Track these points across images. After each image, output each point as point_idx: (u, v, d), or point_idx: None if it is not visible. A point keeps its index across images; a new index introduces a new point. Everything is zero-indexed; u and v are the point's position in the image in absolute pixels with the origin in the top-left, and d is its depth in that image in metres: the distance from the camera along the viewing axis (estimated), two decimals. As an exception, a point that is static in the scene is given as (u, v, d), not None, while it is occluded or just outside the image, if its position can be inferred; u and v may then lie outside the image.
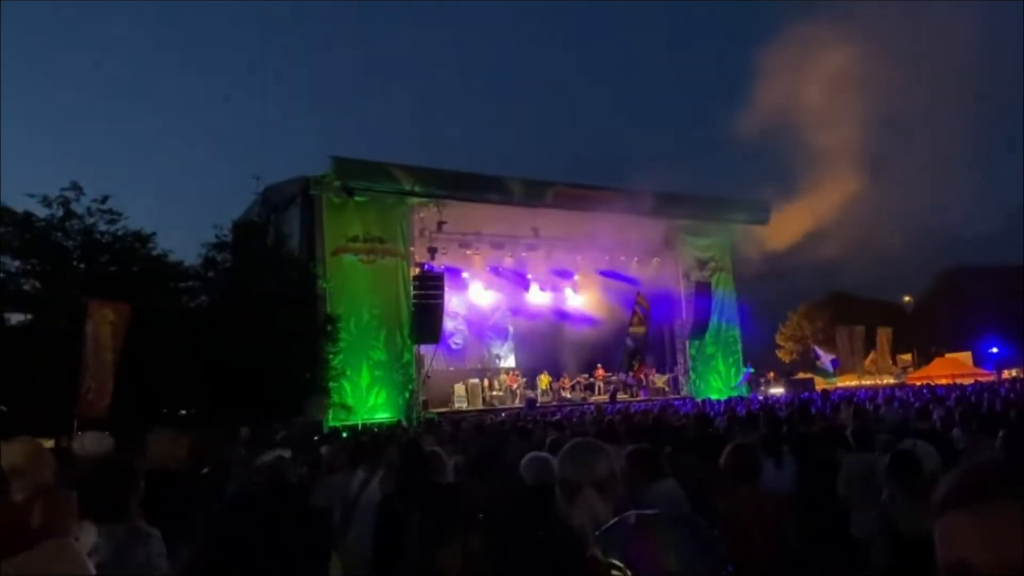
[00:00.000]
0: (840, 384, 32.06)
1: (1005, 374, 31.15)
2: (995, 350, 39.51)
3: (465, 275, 26.75)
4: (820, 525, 5.01)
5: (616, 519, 1.23)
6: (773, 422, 7.98)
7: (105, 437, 5.92)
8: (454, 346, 27.45)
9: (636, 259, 29.10)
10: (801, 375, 34.55)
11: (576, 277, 28.79)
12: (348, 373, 21.14)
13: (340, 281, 21.84)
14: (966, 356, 37.68)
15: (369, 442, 7.01)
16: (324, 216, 22.17)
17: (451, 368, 26.74)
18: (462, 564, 2.38)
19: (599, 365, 28.07)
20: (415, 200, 23.42)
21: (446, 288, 23.16)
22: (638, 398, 25.43)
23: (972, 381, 23.15)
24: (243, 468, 5.41)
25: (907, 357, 38.45)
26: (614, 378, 27.72)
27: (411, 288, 22.66)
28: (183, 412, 16.95)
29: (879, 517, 4.11)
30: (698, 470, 4.75)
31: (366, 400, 21.65)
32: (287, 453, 4.82)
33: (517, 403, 24.64)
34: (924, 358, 39.07)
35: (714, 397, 23.67)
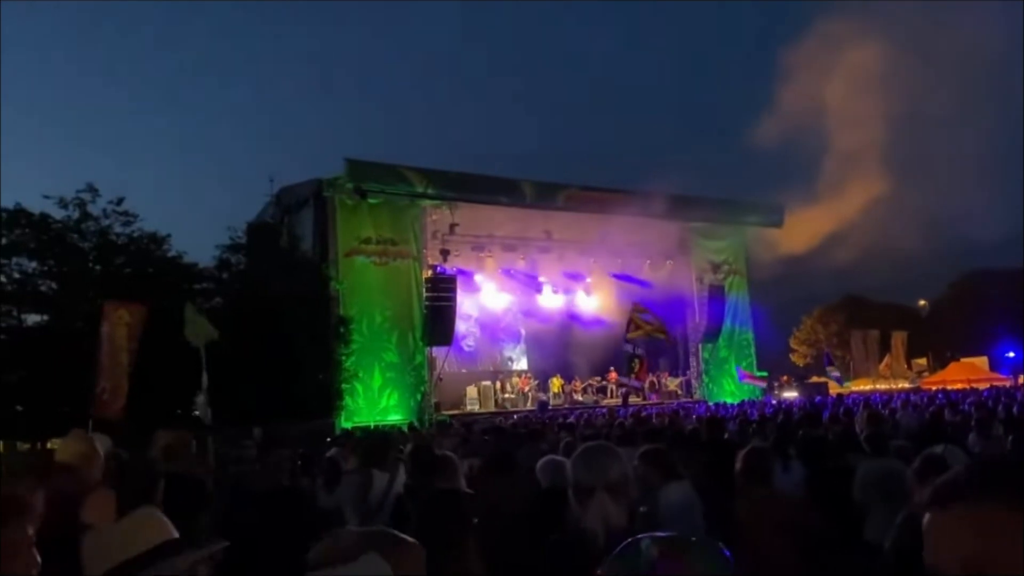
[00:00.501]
0: (854, 388, 31.82)
1: (1022, 379, 30.77)
2: (1012, 354, 39.07)
3: (477, 277, 26.75)
4: (831, 528, 4.98)
5: (628, 541, 1.21)
6: (782, 426, 7.97)
7: (104, 439, 5.95)
8: (466, 348, 27.42)
9: (649, 262, 28.95)
10: (815, 379, 34.31)
11: (588, 280, 28.69)
12: (360, 375, 21.19)
13: (353, 283, 21.87)
14: (982, 361, 37.23)
15: (380, 444, 7.01)
16: (337, 218, 22.20)
17: (463, 370, 26.70)
18: (457, 571, 2.37)
19: (612, 368, 27.87)
20: (428, 202, 23.44)
21: (458, 290, 23.19)
22: (649, 401, 25.31)
23: (988, 386, 22.89)
24: (254, 469, 5.43)
25: (922, 361, 38.15)
26: (626, 381, 27.57)
27: (423, 290, 22.70)
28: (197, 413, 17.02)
29: (906, 520, 4.08)
30: (711, 473, 4.73)
31: (378, 402, 21.68)
32: (297, 455, 4.84)
33: (529, 406, 24.56)
34: (939, 362, 38.73)
35: (727, 401, 23.54)
